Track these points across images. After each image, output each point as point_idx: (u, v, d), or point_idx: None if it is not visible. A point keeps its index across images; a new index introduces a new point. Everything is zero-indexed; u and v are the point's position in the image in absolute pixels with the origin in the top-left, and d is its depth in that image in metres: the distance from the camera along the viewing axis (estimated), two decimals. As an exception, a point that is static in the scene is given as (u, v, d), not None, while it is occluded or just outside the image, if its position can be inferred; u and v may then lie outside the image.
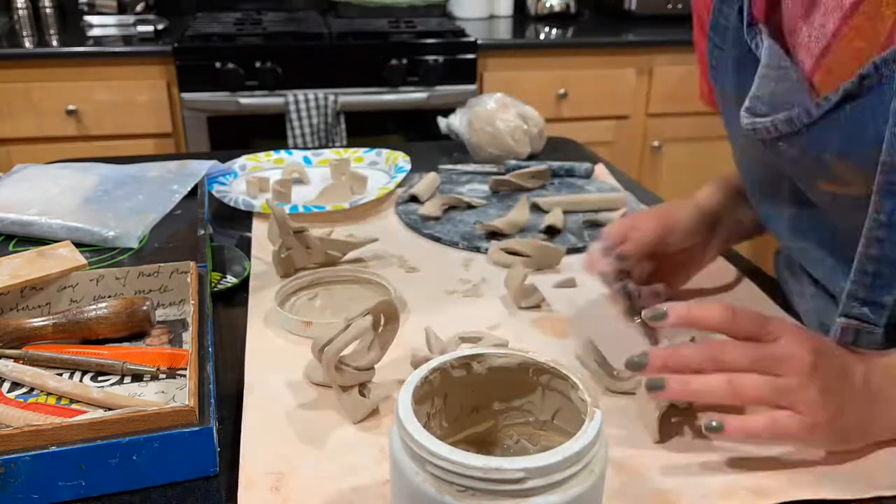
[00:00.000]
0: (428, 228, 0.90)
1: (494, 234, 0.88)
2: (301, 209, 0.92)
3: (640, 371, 0.52)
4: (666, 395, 0.51)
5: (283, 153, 1.11)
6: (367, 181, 1.02)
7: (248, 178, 1.02)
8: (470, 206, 0.96)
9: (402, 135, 2.10)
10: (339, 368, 0.57)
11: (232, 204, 0.92)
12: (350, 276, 0.77)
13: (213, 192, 0.95)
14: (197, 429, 0.49)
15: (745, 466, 0.52)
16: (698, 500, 0.49)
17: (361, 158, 1.12)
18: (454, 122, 1.17)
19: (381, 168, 1.10)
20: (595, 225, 0.91)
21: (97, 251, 0.79)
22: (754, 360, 0.50)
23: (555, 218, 0.89)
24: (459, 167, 1.10)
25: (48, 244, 0.73)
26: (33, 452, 0.47)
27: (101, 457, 0.48)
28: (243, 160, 1.08)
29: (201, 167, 0.96)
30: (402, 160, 1.07)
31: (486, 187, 1.04)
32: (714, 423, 0.50)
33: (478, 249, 0.85)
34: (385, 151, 1.12)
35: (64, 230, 0.80)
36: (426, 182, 1.00)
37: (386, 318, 0.60)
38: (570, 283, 0.77)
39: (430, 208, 0.93)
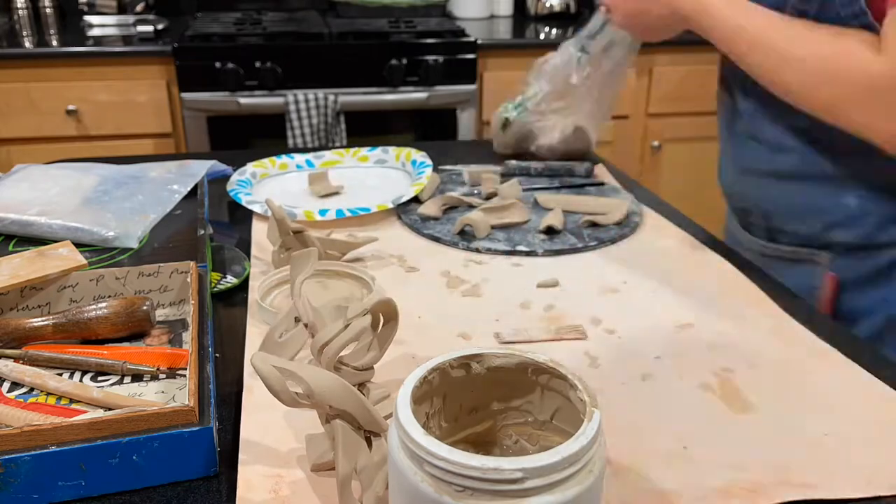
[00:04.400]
0: (428, 228, 0.90)
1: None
2: (347, 213, 0.90)
3: None
4: None
5: (284, 158, 1.09)
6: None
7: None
8: (470, 207, 0.96)
9: (402, 135, 2.10)
10: (338, 368, 0.57)
11: (268, 214, 0.88)
12: (330, 270, 0.77)
13: (244, 205, 0.92)
14: (197, 429, 0.49)
15: (743, 466, 0.52)
16: (697, 499, 0.49)
17: (366, 157, 1.11)
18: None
19: (393, 166, 1.09)
20: (594, 225, 0.91)
21: (97, 251, 0.79)
22: None
23: (554, 218, 0.89)
24: (459, 167, 1.10)
25: (48, 244, 0.73)
26: (33, 452, 0.47)
27: (102, 457, 0.48)
28: (251, 167, 1.04)
29: (201, 167, 0.96)
30: (418, 155, 1.06)
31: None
32: None
33: (477, 250, 0.85)
34: (392, 149, 1.11)
35: (64, 230, 0.80)
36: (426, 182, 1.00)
37: (385, 318, 0.60)
38: (552, 283, 0.77)
39: (430, 208, 0.93)
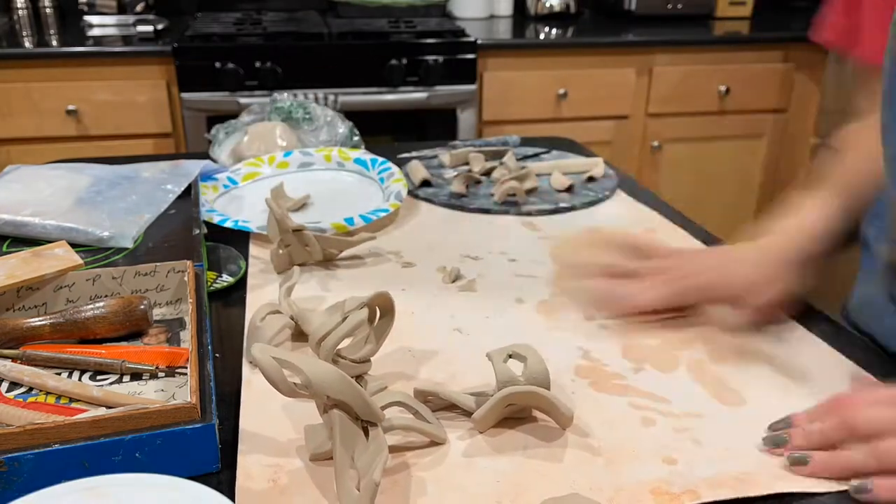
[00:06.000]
0: (468, 203, 0.97)
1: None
2: (373, 217, 0.87)
3: (781, 448, 0.52)
4: (811, 470, 0.50)
5: (205, 182, 0.99)
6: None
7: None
8: (477, 182, 1.03)
9: (402, 135, 2.10)
10: (336, 361, 0.57)
11: (263, 231, 0.85)
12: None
13: (240, 228, 0.86)
14: (200, 425, 0.50)
15: (732, 457, 0.52)
16: (685, 488, 0.49)
17: (286, 164, 1.06)
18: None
19: (328, 167, 1.07)
20: (592, 179, 1.04)
21: (91, 251, 0.79)
22: (890, 421, 0.49)
23: (565, 178, 1.00)
24: (435, 150, 1.15)
25: (42, 245, 0.73)
26: (36, 451, 0.47)
27: (105, 454, 0.48)
28: (200, 195, 0.93)
29: (194, 167, 0.95)
30: (354, 153, 1.06)
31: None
32: (863, 485, 0.48)
33: (529, 213, 0.94)
34: (313, 150, 1.07)
35: (58, 231, 0.80)
36: (416, 169, 1.04)
37: (381, 311, 0.60)
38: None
39: (458, 187, 1.00)
